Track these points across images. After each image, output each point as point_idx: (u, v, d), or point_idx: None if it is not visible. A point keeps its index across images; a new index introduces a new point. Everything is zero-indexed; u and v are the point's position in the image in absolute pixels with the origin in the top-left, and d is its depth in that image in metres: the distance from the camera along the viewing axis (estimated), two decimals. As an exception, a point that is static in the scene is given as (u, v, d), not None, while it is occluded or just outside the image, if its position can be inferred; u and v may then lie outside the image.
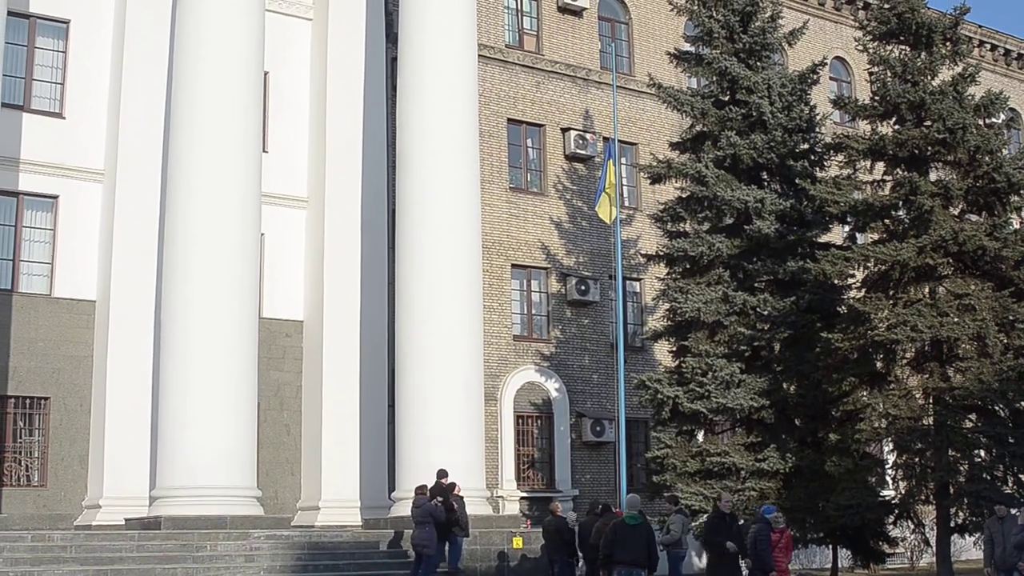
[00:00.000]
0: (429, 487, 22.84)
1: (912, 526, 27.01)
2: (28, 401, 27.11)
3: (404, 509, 24.03)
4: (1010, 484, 25.18)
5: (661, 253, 29.96)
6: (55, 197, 28.02)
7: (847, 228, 29.00)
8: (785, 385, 27.70)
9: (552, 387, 32.68)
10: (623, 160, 34.62)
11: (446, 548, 22.85)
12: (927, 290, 26.06)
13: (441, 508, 22.15)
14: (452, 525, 22.70)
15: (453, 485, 23.14)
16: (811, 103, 30.27)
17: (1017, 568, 18.22)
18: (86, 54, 28.74)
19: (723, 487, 26.56)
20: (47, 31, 28.75)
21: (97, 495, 26.54)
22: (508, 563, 24.52)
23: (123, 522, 24.82)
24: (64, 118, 28.39)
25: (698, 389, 27.25)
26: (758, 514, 21.64)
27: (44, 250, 27.93)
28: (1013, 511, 19.90)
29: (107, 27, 28.91)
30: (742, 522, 23.71)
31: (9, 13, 26.57)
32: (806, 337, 27.20)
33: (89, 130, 28.42)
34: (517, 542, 24.75)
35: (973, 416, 25.73)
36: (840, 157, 28.22)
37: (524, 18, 34.96)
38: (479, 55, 30.02)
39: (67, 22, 28.76)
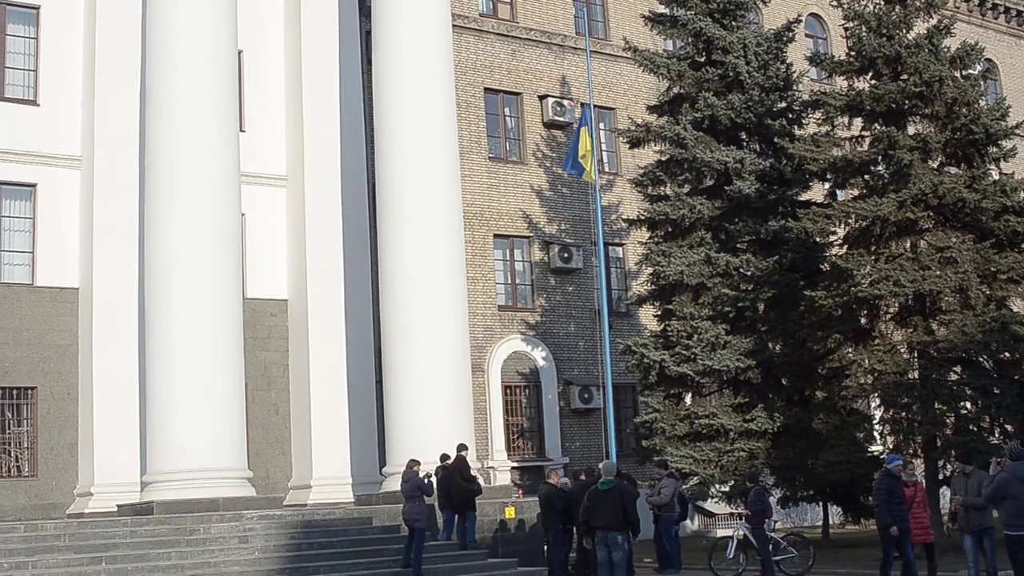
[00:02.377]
0: (451, 460, 23.10)
1: (901, 480, 27.12)
2: (15, 392, 27.03)
3: (395, 484, 24.01)
4: (996, 435, 25.32)
5: (642, 217, 30.00)
6: (33, 185, 27.85)
7: (827, 185, 29.03)
8: (770, 345, 27.80)
9: (539, 356, 32.74)
10: (601, 125, 34.59)
11: (438, 523, 22.98)
12: (908, 244, 26.13)
13: (430, 483, 22.23)
14: (475, 495, 22.91)
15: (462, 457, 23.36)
16: (787, 61, 30.25)
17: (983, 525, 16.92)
18: (58, 40, 28.49)
19: (712, 448, 26.68)
20: (17, 18, 28.52)
21: (88, 483, 26.54)
22: (506, 532, 24.60)
23: (115, 509, 24.80)
24: (39, 105, 28.18)
25: (684, 352, 27.34)
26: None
27: (24, 239, 27.79)
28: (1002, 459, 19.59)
29: (78, 11, 28.66)
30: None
31: (-23, 1, 26.41)
32: (790, 296, 27.29)
33: (65, 116, 28.20)
34: (509, 512, 24.82)
35: (958, 369, 25.86)
36: (818, 114, 28.25)
37: (497, -14, 34.81)
38: (453, 25, 29.88)
39: (37, 8, 28.49)
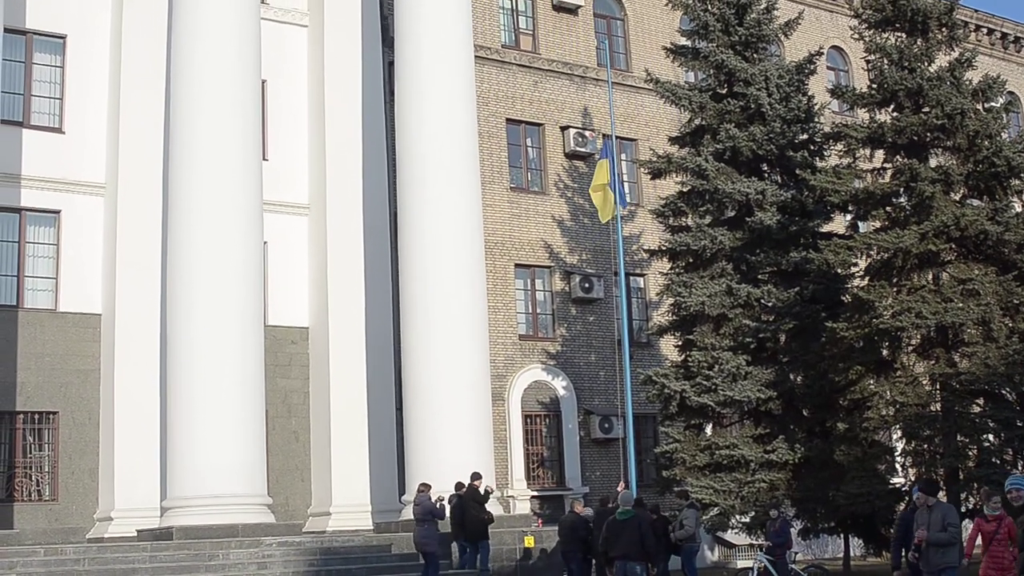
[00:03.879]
0: (466, 486, 23.16)
1: (923, 512, 26.94)
2: (37, 416, 27.18)
3: (414, 511, 24.09)
4: (1020, 468, 25.12)
5: (664, 248, 29.99)
6: (57, 212, 28.08)
7: (849, 217, 28.98)
8: (792, 376, 27.70)
9: (559, 385, 32.70)
10: (623, 156, 34.67)
11: (451, 549, 22.93)
12: (930, 276, 26.05)
13: (442, 507, 22.22)
14: (487, 524, 22.88)
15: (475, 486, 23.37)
16: (809, 93, 30.27)
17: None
18: (83, 68, 28.80)
19: (733, 479, 26.58)
20: (44, 47, 28.81)
21: (108, 507, 26.62)
22: (528, 561, 24.54)
23: (135, 534, 24.90)
24: (64, 133, 28.46)
25: (705, 382, 27.26)
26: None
27: (48, 265, 28.00)
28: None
29: (103, 41, 28.97)
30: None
31: (6, 30, 26.62)
32: (811, 327, 27.22)
33: (89, 144, 28.49)
34: (529, 541, 24.78)
35: (980, 401, 25.72)
36: (839, 146, 28.22)
37: (520, 17, 35.00)
38: (476, 56, 30.05)
39: (63, 37, 28.80)
